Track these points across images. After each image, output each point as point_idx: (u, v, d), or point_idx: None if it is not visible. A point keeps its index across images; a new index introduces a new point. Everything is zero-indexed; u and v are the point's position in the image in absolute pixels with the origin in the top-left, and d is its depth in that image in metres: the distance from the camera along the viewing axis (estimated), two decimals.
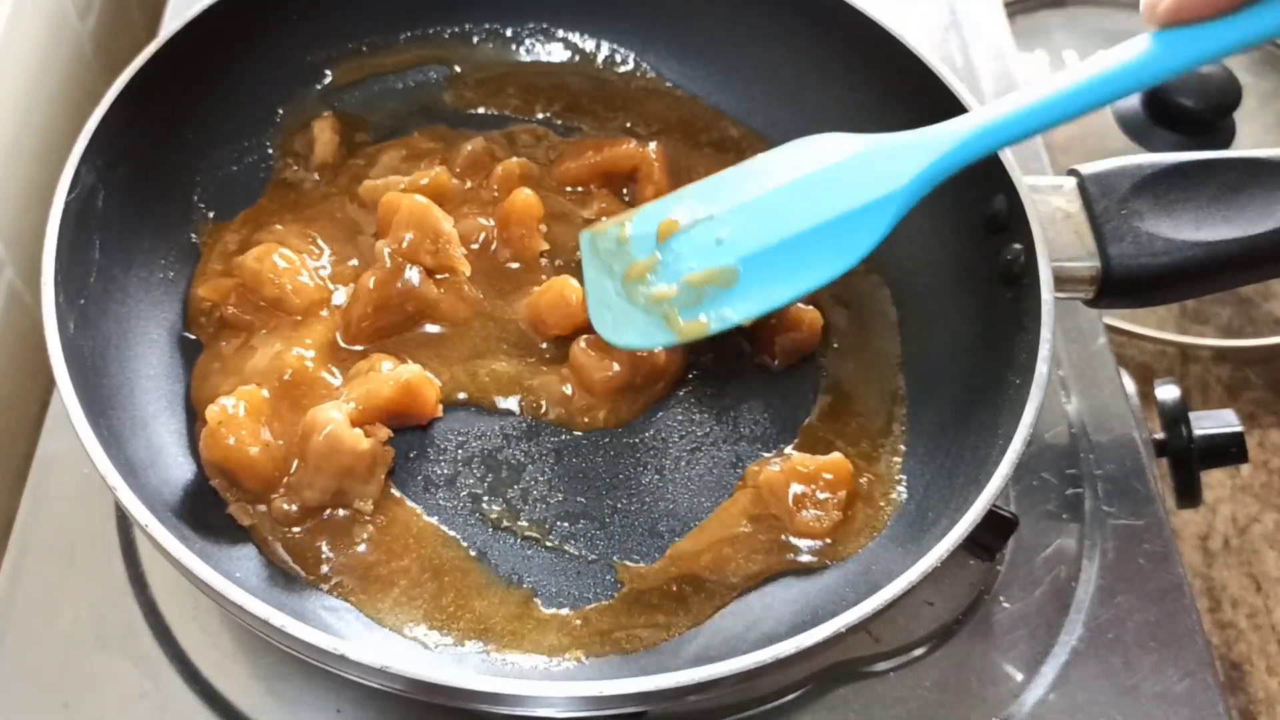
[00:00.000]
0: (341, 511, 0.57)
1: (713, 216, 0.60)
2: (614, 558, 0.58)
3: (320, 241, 0.66)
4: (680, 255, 0.59)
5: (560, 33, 0.76)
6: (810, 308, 0.65)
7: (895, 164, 0.56)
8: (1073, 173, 0.63)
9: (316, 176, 0.69)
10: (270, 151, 0.70)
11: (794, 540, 0.57)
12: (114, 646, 0.58)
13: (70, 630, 0.59)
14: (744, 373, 0.65)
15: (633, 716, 0.57)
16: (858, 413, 0.64)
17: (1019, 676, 0.60)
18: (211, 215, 0.67)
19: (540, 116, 0.74)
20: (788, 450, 0.61)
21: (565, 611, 0.56)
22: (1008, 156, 0.60)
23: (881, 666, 0.60)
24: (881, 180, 0.56)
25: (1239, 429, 0.68)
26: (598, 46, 0.77)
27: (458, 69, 0.76)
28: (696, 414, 0.63)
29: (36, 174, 0.78)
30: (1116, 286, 0.60)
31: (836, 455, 0.59)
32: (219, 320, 0.63)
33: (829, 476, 0.58)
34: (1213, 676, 0.61)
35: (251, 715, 0.57)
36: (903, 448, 0.62)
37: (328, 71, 0.73)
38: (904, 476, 0.61)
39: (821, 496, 0.58)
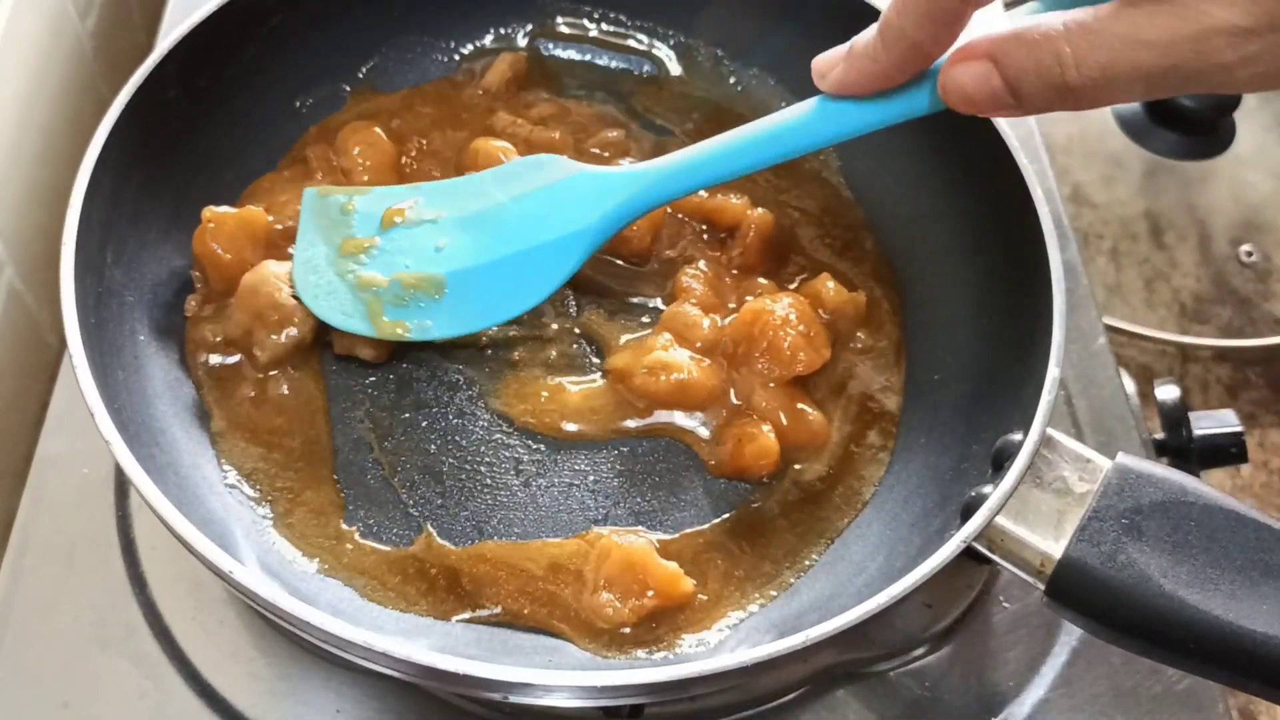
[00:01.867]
0: (241, 357, 0.61)
1: (437, 221, 0.61)
2: (428, 525, 0.58)
3: None
4: (399, 249, 0.61)
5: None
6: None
7: (593, 200, 0.58)
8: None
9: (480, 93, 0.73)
10: None
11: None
12: (114, 646, 0.58)
13: (70, 630, 0.59)
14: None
15: (632, 710, 0.57)
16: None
17: (1019, 677, 0.60)
18: None
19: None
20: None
21: (360, 539, 0.57)
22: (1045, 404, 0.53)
23: (881, 667, 0.60)
24: (579, 215, 0.58)
25: (1239, 429, 0.68)
26: None
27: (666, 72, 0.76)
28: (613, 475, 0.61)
29: (37, 174, 0.78)
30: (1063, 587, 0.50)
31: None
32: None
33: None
34: None
35: (251, 715, 0.57)
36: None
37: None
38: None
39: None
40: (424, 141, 0.70)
